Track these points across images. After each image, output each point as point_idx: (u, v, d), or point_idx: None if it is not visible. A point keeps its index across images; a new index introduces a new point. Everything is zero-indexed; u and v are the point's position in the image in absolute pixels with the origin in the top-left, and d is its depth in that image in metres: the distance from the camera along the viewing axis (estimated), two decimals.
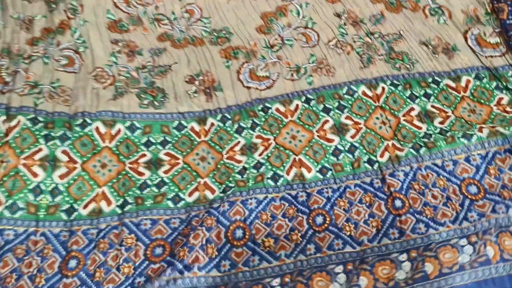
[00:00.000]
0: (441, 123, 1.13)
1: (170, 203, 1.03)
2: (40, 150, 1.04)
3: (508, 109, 1.14)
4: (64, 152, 1.05)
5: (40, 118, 1.09)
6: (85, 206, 0.99)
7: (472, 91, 1.19)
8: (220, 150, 1.11)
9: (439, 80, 1.21)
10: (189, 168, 1.08)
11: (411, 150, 1.07)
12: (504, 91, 1.19)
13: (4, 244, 0.91)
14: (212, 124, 1.15)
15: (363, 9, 1.42)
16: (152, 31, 1.35)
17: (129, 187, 1.03)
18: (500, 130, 1.07)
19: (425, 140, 1.09)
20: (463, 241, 0.90)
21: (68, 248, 0.93)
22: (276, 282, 0.89)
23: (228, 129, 1.14)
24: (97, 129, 1.10)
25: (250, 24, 1.38)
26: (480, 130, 1.08)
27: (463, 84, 1.21)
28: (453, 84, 1.20)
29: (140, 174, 1.06)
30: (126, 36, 1.32)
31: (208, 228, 0.96)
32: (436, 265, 0.85)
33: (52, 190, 1.00)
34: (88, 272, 0.91)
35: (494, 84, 1.20)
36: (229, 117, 1.16)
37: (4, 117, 1.07)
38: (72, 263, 0.91)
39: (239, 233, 0.97)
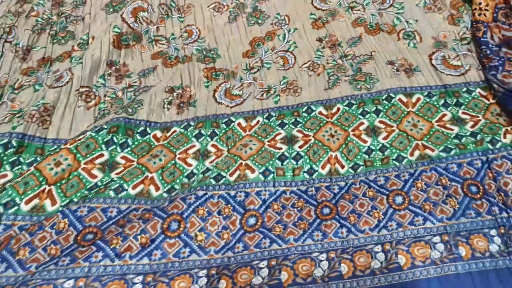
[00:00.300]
0: (385, 138, 1.26)
1: (112, 193, 1.10)
2: (4, 176, 1.13)
3: (447, 125, 1.26)
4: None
5: (14, 143, 1.18)
6: (27, 202, 1.07)
7: (420, 107, 1.32)
8: (174, 150, 1.23)
9: (393, 96, 1.34)
10: (141, 166, 1.18)
11: (350, 169, 1.19)
12: (451, 107, 1.30)
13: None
14: (175, 131, 1.28)
15: (344, 33, 1.58)
16: (149, 49, 1.55)
17: (78, 190, 1.11)
18: (428, 153, 1.20)
19: (365, 157, 1.22)
20: (378, 248, 1.03)
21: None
22: (202, 273, 0.98)
23: (188, 133, 1.27)
24: (66, 148, 1.17)
25: (238, 48, 1.57)
26: (411, 154, 1.21)
27: (413, 100, 1.34)
28: (404, 99, 1.34)
29: (93, 176, 1.14)
30: (123, 55, 1.50)
31: (144, 221, 1.04)
32: (350, 267, 0.99)
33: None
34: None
35: (442, 101, 1.32)
36: (192, 124, 1.30)
37: None
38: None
39: (174, 225, 1.06)
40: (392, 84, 1.39)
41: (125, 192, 1.12)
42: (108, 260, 0.98)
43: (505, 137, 1.20)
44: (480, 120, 1.27)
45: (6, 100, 1.29)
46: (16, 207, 1.06)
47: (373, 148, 1.25)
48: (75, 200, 1.09)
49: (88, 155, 1.16)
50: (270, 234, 1.07)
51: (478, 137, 1.23)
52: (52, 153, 1.15)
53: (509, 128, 1.22)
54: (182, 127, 1.30)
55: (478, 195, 1.11)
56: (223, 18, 1.68)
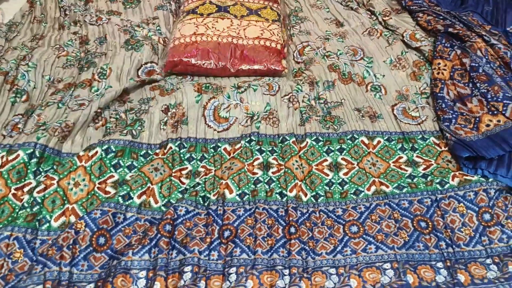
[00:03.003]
0: (345, 174, 1.26)
1: (120, 199, 1.14)
2: (29, 183, 1.14)
3: (402, 166, 1.27)
4: (46, 176, 1.15)
5: (37, 153, 1.18)
6: (56, 219, 1.08)
7: (379, 149, 1.33)
8: (171, 167, 1.25)
9: (357, 137, 1.36)
10: (143, 175, 1.20)
11: (312, 198, 1.19)
12: (407, 151, 1.31)
13: None
14: (170, 148, 1.29)
15: (321, 74, 1.61)
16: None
17: (97, 205, 1.12)
18: (383, 189, 1.20)
19: (326, 188, 1.22)
20: (333, 270, 1.02)
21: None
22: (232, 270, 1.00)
23: (181, 155, 1.28)
24: (78, 155, 1.21)
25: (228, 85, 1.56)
26: (368, 189, 1.21)
27: (374, 142, 1.35)
28: (366, 141, 1.35)
29: (106, 192, 1.16)
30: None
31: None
32: (308, 285, 0.97)
33: (32, 202, 1.10)
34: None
35: (400, 145, 1.33)
36: (185, 146, 1.31)
37: (4, 153, 1.15)
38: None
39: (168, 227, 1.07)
40: (357, 127, 1.40)
41: (131, 200, 1.15)
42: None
43: (453, 179, 1.20)
44: (432, 164, 1.27)
45: (34, 115, 1.34)
46: (47, 224, 1.08)
47: (334, 181, 1.25)
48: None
49: (100, 177, 1.19)
50: (241, 245, 1.06)
51: (429, 178, 1.22)
52: (70, 170, 1.17)
53: (457, 173, 1.22)
54: (176, 145, 1.31)
55: (427, 230, 1.10)
56: None
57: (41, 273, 0.95)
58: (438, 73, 1.52)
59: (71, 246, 1.01)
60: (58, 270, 0.97)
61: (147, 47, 1.65)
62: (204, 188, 1.20)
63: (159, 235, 1.05)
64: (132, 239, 1.07)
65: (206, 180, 1.23)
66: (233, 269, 1.00)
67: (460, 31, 1.61)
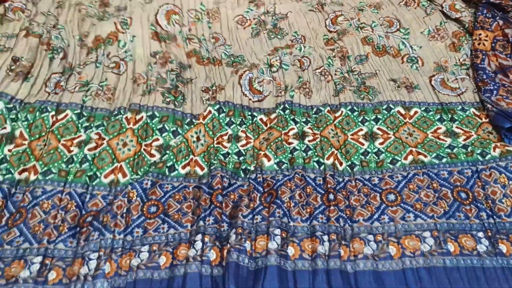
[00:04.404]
0: (381, 143, 1.23)
1: (166, 171, 1.13)
2: (79, 136, 1.18)
3: (441, 137, 1.23)
4: (97, 133, 1.19)
5: (85, 113, 1.23)
6: (106, 176, 1.11)
7: (417, 119, 1.28)
8: (212, 135, 1.23)
9: (392, 107, 1.32)
10: (187, 144, 1.20)
11: (347, 167, 1.16)
12: (445, 122, 1.27)
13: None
14: (210, 112, 1.27)
15: (353, 47, 1.56)
16: (183, 47, 1.55)
17: (142, 165, 1.14)
18: (421, 159, 1.17)
19: (362, 158, 1.19)
20: (370, 237, 1.00)
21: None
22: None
23: (221, 120, 1.27)
24: (126, 117, 1.23)
25: (261, 53, 1.56)
26: (405, 158, 1.17)
27: (411, 113, 1.30)
28: (403, 112, 1.31)
29: (151, 155, 1.17)
30: (164, 47, 1.51)
31: (129, 200, 1.05)
32: (347, 252, 0.96)
33: (81, 159, 1.13)
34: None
35: (438, 116, 1.29)
36: (224, 110, 1.30)
37: (53, 113, 1.20)
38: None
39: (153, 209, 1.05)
40: (392, 97, 1.36)
41: (176, 172, 1.14)
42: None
43: (494, 150, 1.16)
44: (472, 135, 1.23)
45: (74, 73, 1.36)
46: (97, 180, 1.10)
47: (369, 151, 1.21)
48: (140, 174, 1.13)
49: (146, 139, 1.20)
50: (283, 207, 1.04)
51: (469, 149, 1.18)
52: (120, 132, 1.20)
53: (498, 144, 1.17)
54: (215, 109, 1.30)
55: (467, 201, 1.06)
56: (246, 33, 1.67)
57: (97, 240, 0.96)
58: (479, 44, 1.45)
59: (124, 215, 1.02)
60: (112, 238, 0.97)
61: None
62: (245, 161, 1.19)
63: (212, 205, 1.04)
64: (183, 205, 1.06)
65: (246, 151, 1.21)
66: (278, 231, 0.98)
67: (502, 1, 1.53)
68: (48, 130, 1.18)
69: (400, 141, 1.23)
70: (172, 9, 1.66)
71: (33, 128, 1.17)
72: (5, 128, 1.15)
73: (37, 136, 1.16)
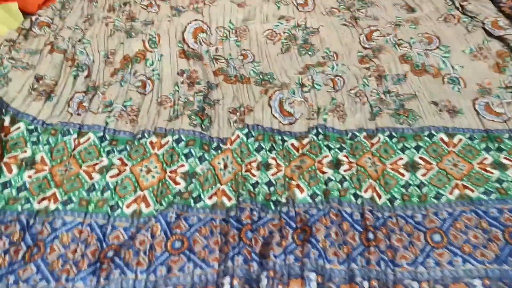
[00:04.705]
0: (423, 174, 1.13)
1: (191, 202, 1.07)
2: (101, 162, 1.12)
3: (488, 169, 1.13)
4: (119, 159, 1.13)
5: (107, 136, 1.18)
6: (128, 205, 1.05)
7: (461, 148, 1.19)
8: (240, 162, 1.15)
9: (435, 134, 1.22)
10: (213, 172, 1.13)
11: (387, 201, 1.08)
12: (492, 152, 1.17)
13: None
14: (238, 136, 1.21)
15: (390, 66, 1.47)
16: (210, 66, 1.48)
17: (166, 194, 1.07)
18: (468, 194, 1.07)
19: (402, 190, 1.10)
20: (415, 284, 0.91)
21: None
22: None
23: (249, 145, 1.19)
24: (151, 141, 1.17)
25: (291, 71, 1.48)
26: (451, 192, 1.08)
27: (455, 140, 1.21)
28: (446, 139, 1.21)
29: (176, 183, 1.09)
30: (191, 64, 1.44)
31: (152, 235, 0.98)
32: None
33: (103, 188, 1.07)
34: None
35: (484, 145, 1.19)
36: (253, 134, 1.22)
37: (75, 135, 1.16)
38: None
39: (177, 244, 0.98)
40: (434, 123, 1.27)
41: (202, 203, 1.08)
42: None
43: None
44: None
45: (98, 93, 1.31)
46: (119, 210, 1.04)
47: (411, 183, 1.12)
48: (164, 205, 1.06)
49: (171, 165, 1.13)
50: (318, 246, 0.96)
51: None
52: (144, 157, 1.14)
53: None
54: (244, 133, 1.23)
55: None
56: (276, 48, 1.59)
57: (118, 280, 0.90)
58: None
59: (147, 252, 0.95)
60: (134, 278, 0.91)
61: (188, 12, 1.62)
62: (275, 191, 1.10)
63: (241, 243, 0.97)
64: (210, 240, 0.99)
65: (277, 180, 1.13)
66: (313, 275, 0.90)
67: None
68: (70, 155, 1.13)
69: (445, 172, 1.13)
70: (200, 26, 1.60)
71: (55, 152, 1.12)
72: (25, 151, 1.10)
73: (58, 160, 1.11)
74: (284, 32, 1.65)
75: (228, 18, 1.66)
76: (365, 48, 1.58)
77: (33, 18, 1.54)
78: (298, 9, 1.78)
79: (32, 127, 1.17)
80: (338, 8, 1.80)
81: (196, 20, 1.61)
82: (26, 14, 1.59)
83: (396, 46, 1.55)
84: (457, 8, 1.70)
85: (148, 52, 1.48)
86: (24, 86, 1.25)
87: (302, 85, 1.40)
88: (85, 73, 1.37)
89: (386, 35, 1.60)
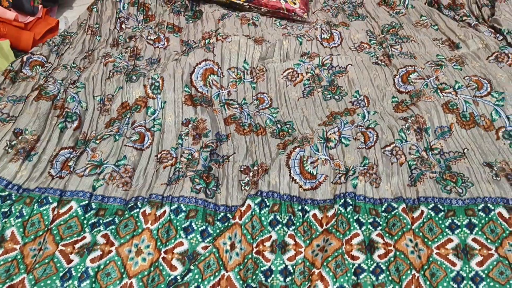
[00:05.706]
0: (479, 264, 0.90)
1: None
2: (83, 238, 0.95)
3: None
4: (104, 235, 0.95)
5: (93, 205, 1.01)
6: None
7: None
8: (251, 240, 0.96)
9: (492, 207, 0.98)
10: (217, 254, 0.93)
11: None
12: None
13: None
14: (249, 206, 1.01)
15: (432, 116, 1.24)
16: (221, 113, 1.31)
17: (158, 283, 0.89)
18: None
19: (454, 286, 0.87)
20: None
21: None
22: None
23: (262, 218, 1.00)
24: (143, 212, 0.99)
25: (314, 121, 1.29)
26: None
27: None
28: (506, 215, 0.97)
29: (172, 268, 0.91)
30: (198, 112, 1.26)
31: None
32: None
33: (81, 274, 0.89)
34: None
35: None
36: (267, 204, 1.03)
37: (54, 204, 0.99)
38: None
39: None
40: (490, 192, 1.02)
41: None
42: None
43: None
44: None
45: (88, 149, 1.12)
46: None
47: (464, 275, 0.89)
48: None
49: (167, 243, 0.94)
50: None
51: None
52: (134, 234, 0.95)
53: None
54: (256, 202, 1.02)
55: None
56: (297, 91, 1.40)
57: None
58: None
59: None
60: None
61: (198, 50, 1.44)
62: (293, 280, 0.90)
63: None
64: None
65: (295, 266, 0.93)
66: None
67: None
68: (46, 229, 0.95)
69: (507, 262, 0.90)
70: (210, 67, 1.42)
71: (28, 227, 0.95)
72: None
73: (32, 237, 0.94)
74: (306, 72, 1.45)
75: (243, 57, 1.47)
76: (400, 91, 1.36)
77: (25, 57, 1.38)
78: (322, 44, 1.59)
79: (5, 193, 1.00)
80: (369, 44, 1.60)
81: (206, 60, 1.42)
82: (19, 51, 1.44)
83: (438, 91, 1.32)
84: (509, 45, 1.46)
85: (150, 98, 1.30)
86: (1, 143, 1.08)
87: (327, 140, 1.19)
88: (75, 124, 1.20)
89: (425, 77, 1.38)
